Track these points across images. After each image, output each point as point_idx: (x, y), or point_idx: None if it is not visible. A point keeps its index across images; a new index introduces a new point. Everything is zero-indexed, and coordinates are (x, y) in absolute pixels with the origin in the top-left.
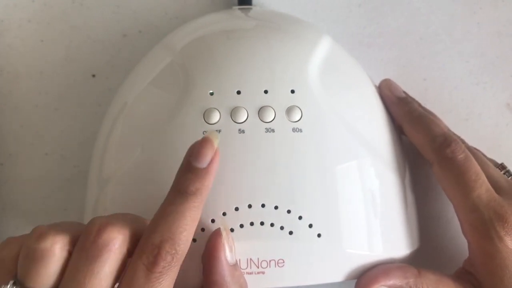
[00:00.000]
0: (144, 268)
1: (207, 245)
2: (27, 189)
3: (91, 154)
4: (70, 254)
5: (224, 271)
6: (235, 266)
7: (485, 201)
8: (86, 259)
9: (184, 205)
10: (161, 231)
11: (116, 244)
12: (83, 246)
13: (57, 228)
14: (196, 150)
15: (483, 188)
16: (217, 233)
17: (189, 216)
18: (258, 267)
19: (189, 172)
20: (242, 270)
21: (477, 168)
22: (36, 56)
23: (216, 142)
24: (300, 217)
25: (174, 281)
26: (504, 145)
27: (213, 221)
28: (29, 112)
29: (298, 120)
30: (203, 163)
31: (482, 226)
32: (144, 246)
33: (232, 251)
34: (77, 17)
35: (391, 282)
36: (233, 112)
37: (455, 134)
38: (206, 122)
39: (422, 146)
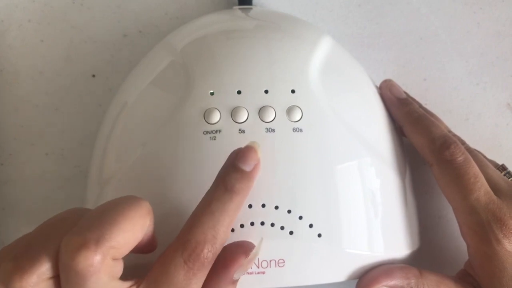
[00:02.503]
0: (183, 264)
1: (228, 247)
2: (27, 189)
3: (91, 154)
4: (55, 274)
5: (225, 282)
6: (235, 282)
7: (483, 204)
8: (76, 285)
9: (229, 203)
10: (206, 228)
11: (97, 266)
12: (66, 274)
13: (26, 263)
14: (241, 154)
15: (481, 190)
16: (244, 247)
17: (232, 215)
18: (258, 267)
19: (235, 172)
20: None
21: (476, 170)
22: (36, 56)
23: (259, 151)
24: (300, 217)
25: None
26: (504, 145)
27: None
28: (29, 112)
29: (299, 120)
30: (248, 167)
31: (480, 229)
32: (186, 242)
33: (243, 271)
34: (78, 17)
35: (392, 282)
36: (233, 112)
37: (455, 135)
38: (207, 122)
39: (422, 148)
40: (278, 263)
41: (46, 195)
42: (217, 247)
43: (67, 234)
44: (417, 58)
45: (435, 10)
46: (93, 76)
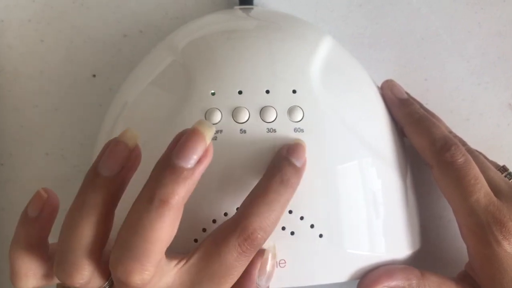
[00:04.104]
0: (237, 246)
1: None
2: (27, 189)
3: (92, 154)
4: None
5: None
6: None
7: (483, 206)
8: None
9: (285, 197)
10: (262, 217)
11: (148, 278)
12: None
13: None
14: (292, 149)
15: (481, 192)
16: (260, 252)
17: (284, 206)
18: None
19: (290, 166)
20: None
21: (477, 172)
22: (36, 56)
23: (306, 148)
24: (301, 218)
25: None
26: (506, 145)
27: (214, 221)
28: (29, 112)
29: (300, 120)
30: (299, 163)
31: (480, 231)
32: (243, 228)
33: (266, 276)
34: (78, 17)
35: (393, 283)
36: (234, 112)
37: (456, 137)
38: None
39: (422, 149)
40: (279, 263)
41: None
42: (268, 235)
43: (110, 262)
44: (418, 58)
45: (436, 10)
46: (94, 76)
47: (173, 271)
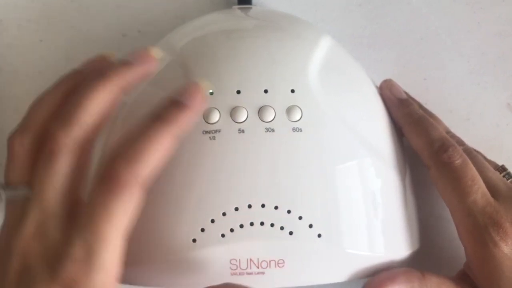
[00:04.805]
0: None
1: None
2: None
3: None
4: None
5: None
6: None
7: (480, 207)
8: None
9: (156, 131)
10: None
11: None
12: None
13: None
14: (182, 90)
15: (478, 193)
16: None
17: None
18: (258, 267)
19: (172, 105)
20: (242, 271)
21: (474, 173)
22: (36, 56)
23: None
24: (300, 217)
25: None
26: (505, 145)
27: (212, 221)
28: None
29: (298, 120)
30: (187, 101)
31: (477, 232)
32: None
33: None
34: (77, 17)
35: (396, 287)
36: (233, 112)
37: (454, 137)
38: (206, 122)
39: (420, 150)
40: (278, 263)
41: None
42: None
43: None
44: (418, 58)
45: (435, 10)
46: None
47: None
